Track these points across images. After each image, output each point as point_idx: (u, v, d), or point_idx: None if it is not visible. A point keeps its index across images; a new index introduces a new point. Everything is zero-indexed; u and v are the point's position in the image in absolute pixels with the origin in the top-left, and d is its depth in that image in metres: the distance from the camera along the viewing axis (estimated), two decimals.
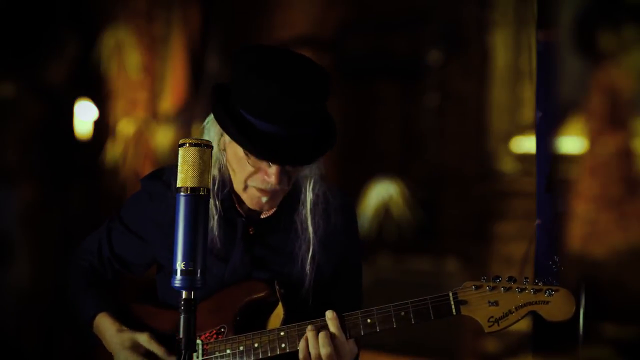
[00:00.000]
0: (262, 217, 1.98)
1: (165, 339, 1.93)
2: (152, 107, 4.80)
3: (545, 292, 1.71)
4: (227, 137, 1.86)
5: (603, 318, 2.10)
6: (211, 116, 1.91)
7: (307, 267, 1.92)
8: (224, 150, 1.89)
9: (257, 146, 1.75)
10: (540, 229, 2.09)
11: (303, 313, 1.89)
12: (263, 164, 1.80)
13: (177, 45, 4.90)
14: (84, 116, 4.17)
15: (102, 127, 4.41)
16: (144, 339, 1.90)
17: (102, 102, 4.37)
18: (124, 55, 4.57)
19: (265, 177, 1.81)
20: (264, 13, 5.40)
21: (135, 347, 1.90)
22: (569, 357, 2.01)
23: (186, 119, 4.83)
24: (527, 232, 2.45)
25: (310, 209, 1.94)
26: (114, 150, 4.51)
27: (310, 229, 1.94)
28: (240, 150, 1.81)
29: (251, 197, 1.87)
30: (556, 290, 1.71)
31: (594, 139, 2.35)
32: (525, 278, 1.75)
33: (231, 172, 1.90)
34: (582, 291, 1.97)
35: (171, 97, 4.87)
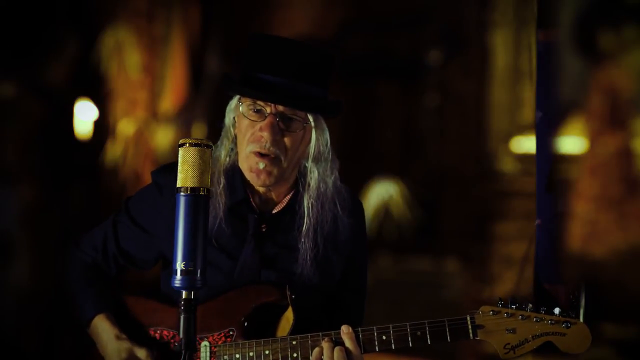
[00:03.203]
0: (273, 212, 1.98)
1: (164, 352, 1.92)
2: (152, 107, 4.80)
3: (563, 324, 1.72)
4: (237, 112, 1.91)
5: (603, 318, 2.10)
6: (230, 101, 1.98)
7: (309, 267, 1.92)
8: (237, 126, 1.94)
9: (250, 88, 1.84)
10: (540, 229, 2.09)
11: (311, 317, 1.89)
12: (259, 122, 1.85)
13: (177, 45, 4.90)
14: (84, 116, 4.18)
15: (102, 127, 4.41)
16: (142, 353, 1.88)
17: (102, 102, 4.38)
18: (124, 55, 4.57)
19: (259, 132, 1.84)
20: (263, 13, 5.41)
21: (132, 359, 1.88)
22: (568, 357, 2.01)
23: (186, 119, 4.83)
24: (527, 232, 2.45)
25: (318, 209, 1.94)
26: (114, 150, 4.51)
27: (313, 233, 1.94)
28: (244, 120, 1.88)
29: (250, 167, 1.88)
30: (574, 323, 1.73)
31: (594, 139, 2.35)
32: (543, 308, 1.76)
33: (239, 147, 1.93)
34: (582, 291, 1.97)
35: (171, 97, 4.87)
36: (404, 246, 5.39)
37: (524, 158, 4.87)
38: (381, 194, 5.48)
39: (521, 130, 4.92)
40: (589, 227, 2.23)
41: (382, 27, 5.54)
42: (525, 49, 4.76)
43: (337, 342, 1.80)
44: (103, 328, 1.93)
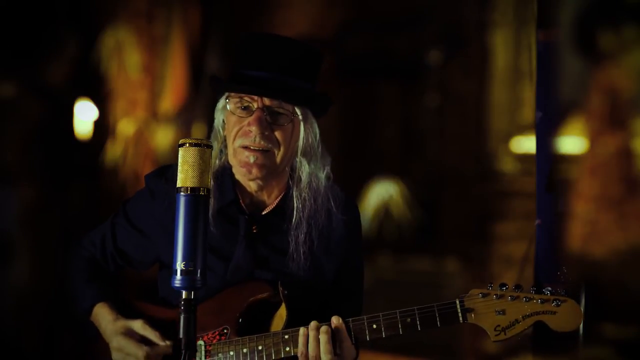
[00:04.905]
0: (263, 213, 1.98)
1: (164, 325, 1.92)
2: (152, 107, 4.80)
3: (553, 302, 1.71)
4: (225, 111, 1.93)
5: (603, 318, 2.10)
6: (218, 103, 1.99)
7: (302, 261, 1.92)
8: (225, 125, 1.95)
9: (236, 83, 1.86)
10: (540, 229, 2.09)
11: (306, 314, 1.89)
12: (247, 117, 1.87)
13: (177, 45, 4.90)
14: (84, 116, 4.17)
15: (102, 127, 4.41)
16: (137, 325, 1.91)
17: (102, 102, 4.37)
18: (124, 55, 4.57)
19: (247, 127, 1.86)
20: (264, 13, 5.40)
21: (129, 333, 1.90)
22: (569, 357, 2.01)
23: (186, 119, 4.83)
24: (527, 232, 2.45)
25: (311, 203, 1.95)
26: (114, 150, 4.51)
27: (306, 227, 1.94)
28: (232, 117, 1.89)
29: (240, 161, 1.89)
30: (564, 301, 1.71)
31: (594, 139, 2.35)
32: (533, 287, 1.74)
33: (228, 144, 1.94)
34: (582, 291, 1.97)
35: (171, 97, 4.87)
36: (404, 246, 5.39)
37: (524, 158, 4.87)
38: (381, 194, 5.48)
39: (521, 130, 4.92)
40: (589, 227, 2.23)
41: (382, 27, 5.54)
42: (525, 49, 4.76)
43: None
44: (102, 314, 1.96)
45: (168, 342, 1.88)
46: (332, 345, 1.77)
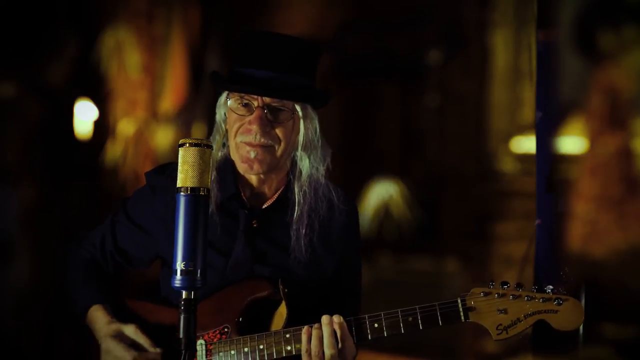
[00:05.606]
0: (263, 207, 1.98)
1: (160, 332, 1.92)
2: (152, 107, 4.80)
3: (555, 301, 1.70)
4: (227, 107, 1.94)
5: (603, 318, 2.10)
6: (219, 97, 2.00)
7: (303, 254, 1.93)
8: (227, 120, 1.96)
9: (236, 83, 1.87)
10: (540, 229, 2.09)
11: (305, 311, 1.89)
12: (248, 116, 1.88)
13: (177, 45, 4.90)
14: (84, 116, 4.17)
15: (102, 127, 4.41)
16: (130, 330, 1.90)
17: (102, 102, 4.37)
18: (124, 55, 4.57)
19: (248, 125, 1.87)
20: (264, 13, 5.41)
21: (121, 337, 1.89)
22: (569, 357, 2.01)
23: (186, 119, 4.83)
24: (527, 232, 2.45)
25: (311, 195, 1.95)
26: (114, 150, 4.51)
27: (307, 219, 1.94)
28: (233, 114, 1.91)
29: (242, 157, 1.90)
30: (565, 300, 1.70)
31: (594, 139, 2.35)
32: (534, 286, 1.74)
33: (229, 139, 1.95)
34: (582, 291, 1.97)
35: (171, 97, 4.87)
36: (404, 246, 5.39)
37: (524, 158, 4.87)
38: (381, 194, 5.48)
39: (521, 130, 4.92)
40: (589, 227, 2.23)
41: (382, 27, 5.54)
42: (525, 49, 4.76)
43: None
44: (97, 317, 1.95)
45: (158, 350, 1.88)
46: (334, 339, 1.77)
